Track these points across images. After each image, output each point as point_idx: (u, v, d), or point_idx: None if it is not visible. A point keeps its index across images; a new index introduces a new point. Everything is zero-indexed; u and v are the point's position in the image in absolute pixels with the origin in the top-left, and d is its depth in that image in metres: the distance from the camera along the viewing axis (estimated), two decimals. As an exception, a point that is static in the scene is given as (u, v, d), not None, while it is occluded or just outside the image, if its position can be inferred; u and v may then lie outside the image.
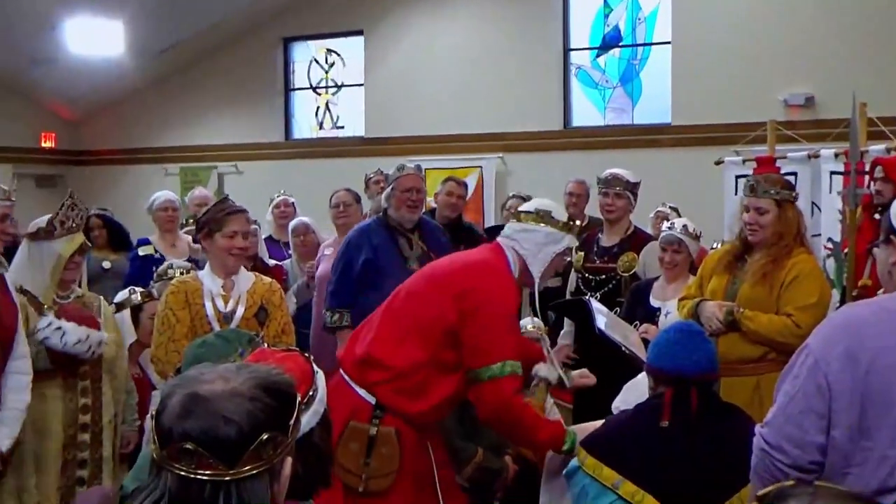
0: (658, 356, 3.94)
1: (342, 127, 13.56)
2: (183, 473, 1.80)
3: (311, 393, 2.43)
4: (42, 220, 5.07)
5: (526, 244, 4.38)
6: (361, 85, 13.20)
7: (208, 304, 4.93)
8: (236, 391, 1.85)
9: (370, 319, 4.52)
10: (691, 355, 3.84)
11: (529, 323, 6.84)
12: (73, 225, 5.08)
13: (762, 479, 2.99)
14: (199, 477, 1.80)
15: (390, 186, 6.45)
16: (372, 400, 4.22)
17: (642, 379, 4.32)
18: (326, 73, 13.69)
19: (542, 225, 4.39)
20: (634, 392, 4.38)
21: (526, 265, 4.39)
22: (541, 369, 4.73)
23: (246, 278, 5.07)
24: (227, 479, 1.80)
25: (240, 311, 4.96)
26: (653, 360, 3.97)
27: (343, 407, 4.07)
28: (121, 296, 5.97)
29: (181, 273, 5.92)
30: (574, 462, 3.93)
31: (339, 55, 13.55)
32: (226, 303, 4.96)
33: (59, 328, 4.81)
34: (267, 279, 5.22)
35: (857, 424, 2.78)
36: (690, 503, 3.60)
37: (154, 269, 6.85)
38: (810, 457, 2.84)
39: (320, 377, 2.53)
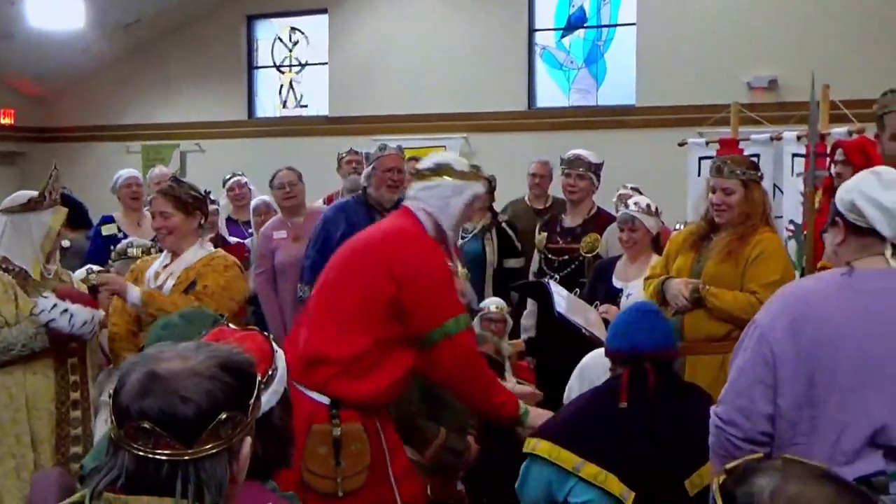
0: (614, 337, 3.96)
1: (306, 106, 13.50)
2: (140, 453, 1.78)
3: (270, 373, 2.41)
4: (20, 196, 5.00)
5: (432, 200, 4.29)
6: (325, 64, 13.16)
7: (149, 282, 5.01)
8: (195, 370, 1.83)
9: (301, 322, 4.43)
10: (647, 334, 3.87)
11: (493, 304, 6.87)
12: (57, 197, 5.05)
13: (719, 457, 3.09)
14: (156, 456, 1.78)
15: (371, 165, 6.42)
16: (326, 400, 4.11)
17: (590, 363, 4.34)
18: (290, 51, 13.62)
19: (445, 178, 4.31)
20: (588, 376, 4.39)
21: (437, 221, 4.31)
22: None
23: (193, 254, 5.06)
24: (184, 458, 1.78)
25: (168, 285, 4.96)
26: (610, 341, 3.99)
27: (300, 415, 4.00)
28: (78, 274, 5.89)
29: (141, 251, 5.88)
30: (526, 462, 3.88)
31: (303, 33, 13.49)
32: (156, 279, 4.98)
33: (66, 310, 4.74)
34: (215, 251, 5.22)
35: (805, 393, 2.90)
36: (653, 482, 3.62)
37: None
38: (761, 427, 2.96)
39: (280, 357, 2.51)
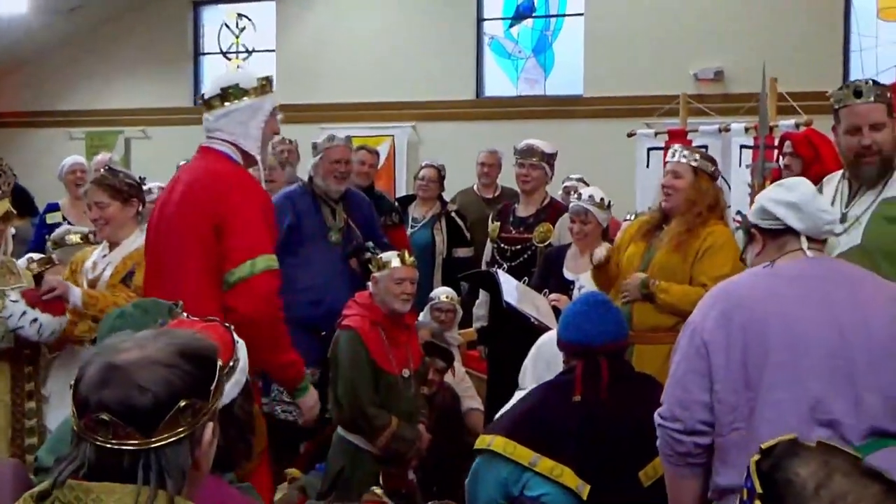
0: (567, 329, 3.97)
1: (253, 93, 13.36)
2: (100, 443, 1.79)
3: (231, 363, 2.40)
4: None
5: (230, 128, 4.11)
6: (273, 51, 13.04)
7: (87, 273, 4.96)
8: (152, 358, 1.83)
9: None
10: (599, 325, 3.89)
11: (443, 293, 6.88)
12: (1, 192, 4.96)
13: (667, 458, 3.17)
14: (116, 447, 1.78)
15: (319, 156, 6.39)
16: None
17: (547, 342, 4.36)
18: (237, 37, 13.48)
19: (235, 102, 4.11)
20: (544, 355, 4.40)
21: (242, 148, 4.13)
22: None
23: (131, 243, 4.99)
24: (144, 447, 1.79)
25: (106, 275, 4.91)
26: (562, 333, 3.99)
27: None
28: (21, 263, 5.80)
29: (80, 238, 5.80)
30: (478, 460, 3.85)
31: (250, 20, 13.35)
32: (94, 270, 4.94)
33: (36, 319, 4.67)
34: None
35: (740, 376, 2.99)
36: (609, 474, 3.64)
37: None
38: (699, 416, 3.04)
39: (241, 346, 2.50)
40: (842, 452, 1.92)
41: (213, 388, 1.88)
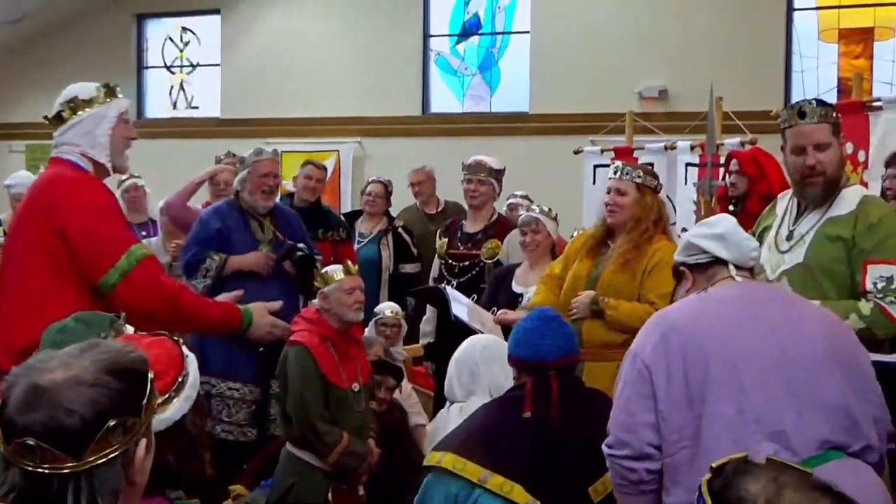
0: (518, 345, 3.94)
1: (197, 107, 13.29)
2: (28, 468, 1.74)
3: (181, 379, 2.36)
4: None
5: (76, 139, 4.06)
6: (218, 65, 12.97)
7: None
8: (78, 378, 1.78)
9: None
10: (551, 342, 3.87)
11: (388, 308, 6.86)
12: None
13: (619, 487, 3.19)
14: (43, 471, 1.74)
15: (246, 170, 6.28)
16: None
17: (463, 355, 4.35)
18: (181, 51, 13.40)
19: (80, 113, 4.07)
20: (466, 363, 4.40)
21: (92, 158, 4.06)
22: None
23: None
24: (73, 471, 1.75)
25: None
26: (513, 349, 3.97)
27: None
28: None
29: None
30: (428, 477, 3.82)
31: (194, 34, 13.29)
32: None
33: None
34: None
35: (684, 394, 3.00)
36: (559, 490, 3.62)
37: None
38: (646, 439, 3.04)
39: (191, 361, 2.46)
40: (791, 468, 1.94)
41: (144, 403, 1.83)
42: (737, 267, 3.26)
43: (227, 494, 5.50)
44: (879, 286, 3.81)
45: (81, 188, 3.98)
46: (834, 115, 3.99)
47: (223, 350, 5.80)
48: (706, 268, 3.29)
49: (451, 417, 4.38)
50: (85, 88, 4.12)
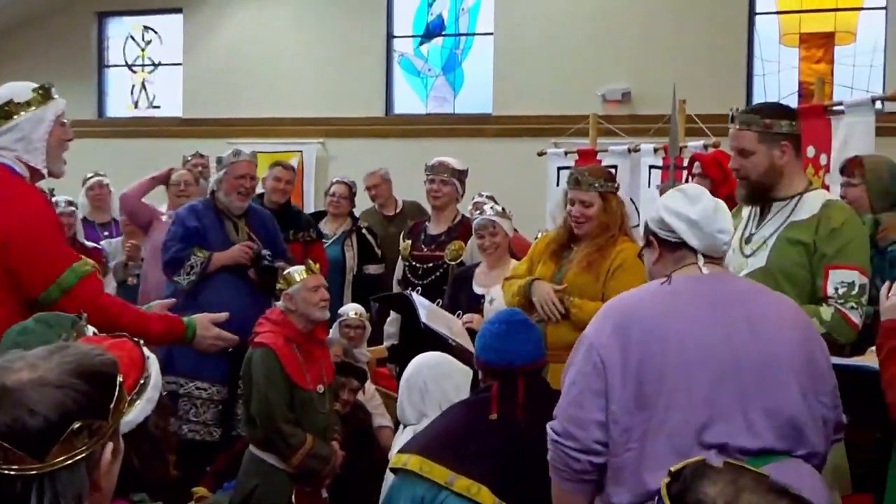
0: (486, 350, 3.91)
1: (158, 107, 13.23)
2: None
3: (142, 380, 2.34)
4: None
5: (12, 145, 3.92)
6: (180, 65, 12.91)
7: None
8: (44, 380, 1.75)
9: None
10: (520, 346, 3.86)
11: (352, 310, 6.84)
12: None
13: (558, 472, 3.15)
14: (6, 472, 1.71)
15: (223, 170, 6.28)
16: None
17: (407, 386, 4.33)
18: (143, 50, 13.33)
19: (16, 117, 3.92)
20: (416, 384, 4.38)
21: (28, 163, 3.94)
22: None
23: None
24: (36, 472, 1.72)
25: None
26: (480, 352, 3.94)
27: None
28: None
29: None
30: (393, 479, 3.82)
31: (156, 33, 13.23)
32: None
33: None
34: None
35: (635, 396, 2.97)
36: (525, 492, 3.62)
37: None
38: (594, 436, 3.02)
39: (153, 362, 2.44)
40: (749, 471, 1.97)
41: (112, 406, 1.81)
42: (706, 256, 3.17)
43: (191, 496, 5.48)
44: (840, 291, 3.83)
45: (24, 200, 3.87)
46: (765, 122, 3.98)
47: (192, 350, 5.79)
48: (675, 248, 3.19)
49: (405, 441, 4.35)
50: (19, 90, 3.98)
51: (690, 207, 3.17)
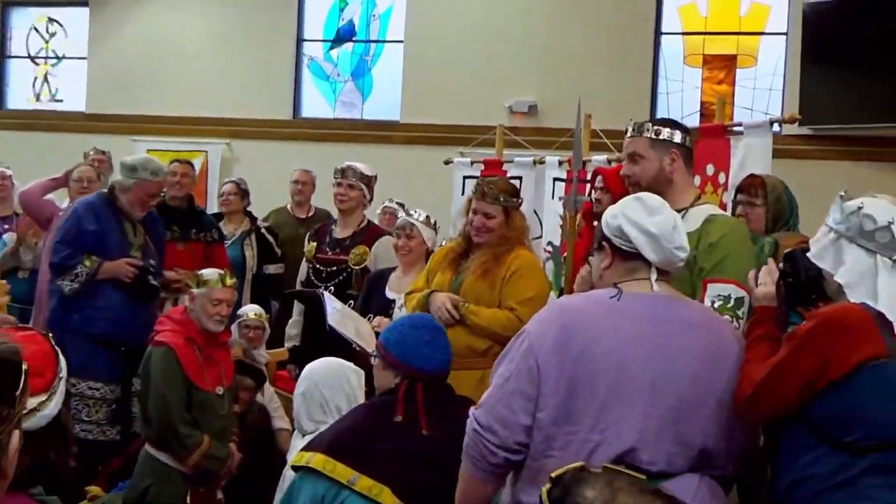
0: (396, 343, 3.90)
1: (61, 100, 13.00)
2: None
3: (61, 375, 2.33)
4: None
5: None
6: (84, 58, 12.72)
7: None
8: None
9: None
10: (429, 351, 3.87)
11: (251, 311, 6.82)
12: None
13: (472, 459, 3.15)
14: None
15: (133, 180, 6.21)
16: None
17: (305, 399, 4.34)
18: (47, 42, 13.10)
19: None
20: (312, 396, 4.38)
21: None
22: None
23: None
24: None
25: None
26: (392, 346, 3.90)
27: None
28: None
29: None
30: (294, 477, 3.80)
31: (61, 25, 13.00)
32: None
33: None
34: None
35: (564, 409, 2.98)
36: (428, 495, 3.64)
37: None
38: (517, 437, 3.03)
39: (60, 356, 2.43)
40: (624, 474, 2.04)
41: (18, 393, 1.81)
42: (659, 270, 3.16)
43: (84, 495, 5.41)
44: (717, 304, 3.86)
45: None
46: (656, 128, 4.08)
47: (84, 349, 5.78)
48: (628, 257, 3.17)
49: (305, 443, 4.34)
50: None
51: (649, 219, 3.16)
